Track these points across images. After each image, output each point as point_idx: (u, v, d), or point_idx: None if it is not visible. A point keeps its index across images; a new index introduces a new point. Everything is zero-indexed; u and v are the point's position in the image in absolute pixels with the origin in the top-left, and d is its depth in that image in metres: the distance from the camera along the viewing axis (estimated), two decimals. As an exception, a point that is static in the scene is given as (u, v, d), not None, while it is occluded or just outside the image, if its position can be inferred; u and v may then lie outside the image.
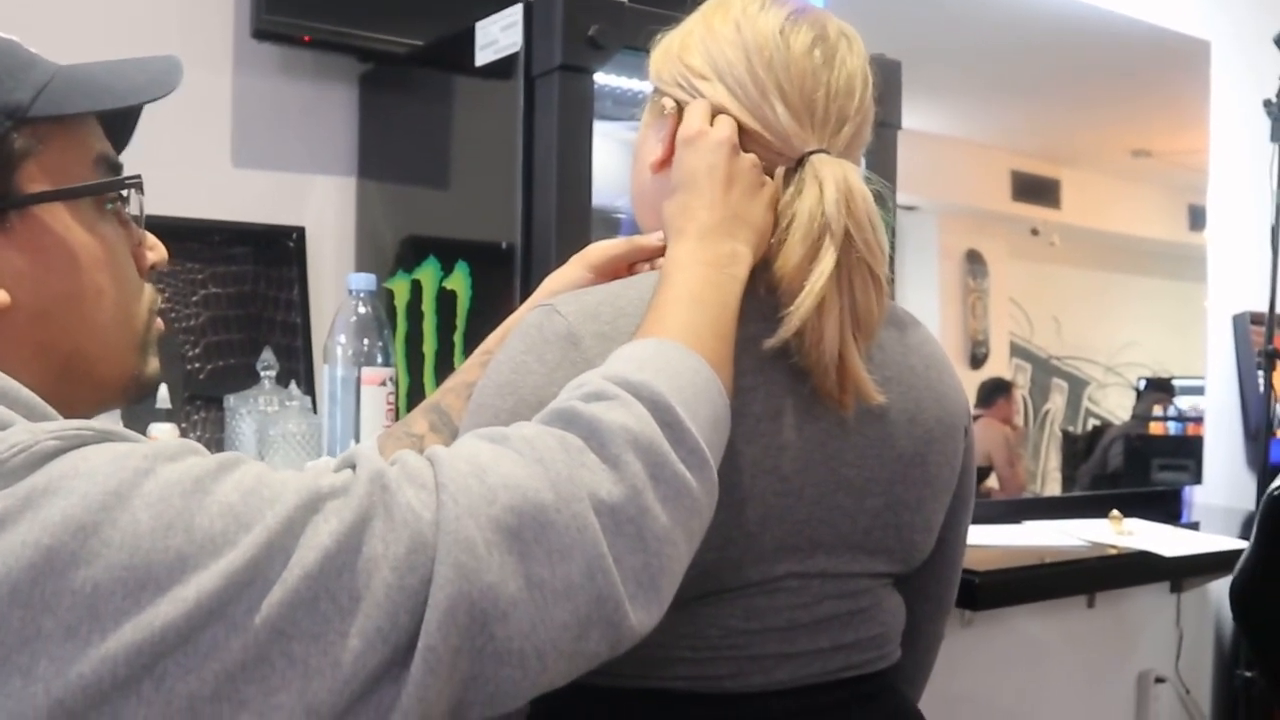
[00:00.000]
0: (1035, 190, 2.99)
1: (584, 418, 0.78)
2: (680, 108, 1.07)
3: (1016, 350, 2.91)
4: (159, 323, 0.94)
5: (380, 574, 0.67)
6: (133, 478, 0.65)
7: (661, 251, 1.06)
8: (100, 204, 0.86)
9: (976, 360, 2.82)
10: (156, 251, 0.93)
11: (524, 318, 1.03)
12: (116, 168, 0.89)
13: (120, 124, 0.93)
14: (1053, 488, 2.98)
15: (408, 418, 1.17)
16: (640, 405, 0.79)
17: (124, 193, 0.89)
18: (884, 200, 1.04)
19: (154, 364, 0.92)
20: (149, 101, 0.88)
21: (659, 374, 0.82)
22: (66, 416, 0.76)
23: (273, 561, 0.65)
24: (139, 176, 0.89)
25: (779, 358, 0.99)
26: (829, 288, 0.96)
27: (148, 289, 0.92)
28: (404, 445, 0.87)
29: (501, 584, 0.69)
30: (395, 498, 0.69)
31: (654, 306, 0.93)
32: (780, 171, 1.03)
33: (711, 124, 1.03)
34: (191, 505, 0.65)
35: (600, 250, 1.13)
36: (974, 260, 2.85)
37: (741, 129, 1.03)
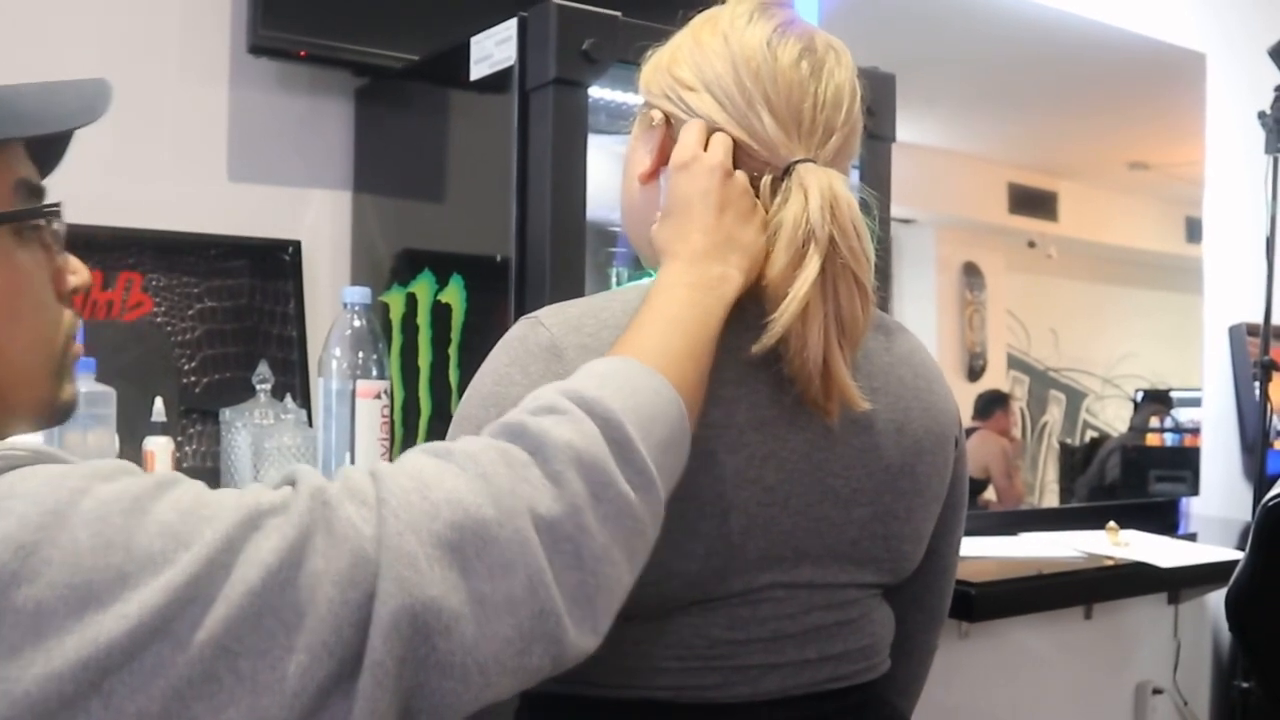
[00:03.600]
0: (1032, 203, 3.00)
1: (531, 432, 0.78)
2: (668, 120, 1.07)
3: (1014, 362, 2.91)
4: (77, 347, 0.92)
5: (323, 589, 0.67)
6: (70, 497, 0.65)
7: None
8: (19, 230, 0.84)
9: (974, 373, 2.83)
10: (80, 275, 0.91)
11: (509, 330, 1.04)
12: (38, 192, 0.87)
13: (48, 147, 0.91)
14: (1050, 499, 2.98)
15: None
16: (590, 422, 0.79)
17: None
18: (870, 209, 1.04)
19: (69, 390, 0.91)
20: (75, 129, 0.87)
21: (618, 392, 0.83)
22: None
23: (214, 578, 0.65)
24: (58, 205, 0.87)
25: (763, 366, 1.00)
26: (813, 294, 0.96)
27: (67, 314, 0.91)
28: None
29: (444, 598, 0.69)
30: (336, 514, 0.70)
31: (632, 326, 0.94)
32: (767, 181, 1.03)
33: (706, 146, 1.03)
34: (131, 524, 0.65)
35: None
36: (971, 272, 2.85)
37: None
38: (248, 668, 0.64)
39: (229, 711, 0.64)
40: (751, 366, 1.00)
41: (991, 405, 2.84)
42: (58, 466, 0.68)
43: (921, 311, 2.75)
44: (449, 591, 0.70)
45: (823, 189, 0.99)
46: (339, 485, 0.72)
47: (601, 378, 0.85)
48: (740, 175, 1.03)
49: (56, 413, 0.90)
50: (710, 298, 0.96)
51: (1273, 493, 1.77)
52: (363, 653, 0.67)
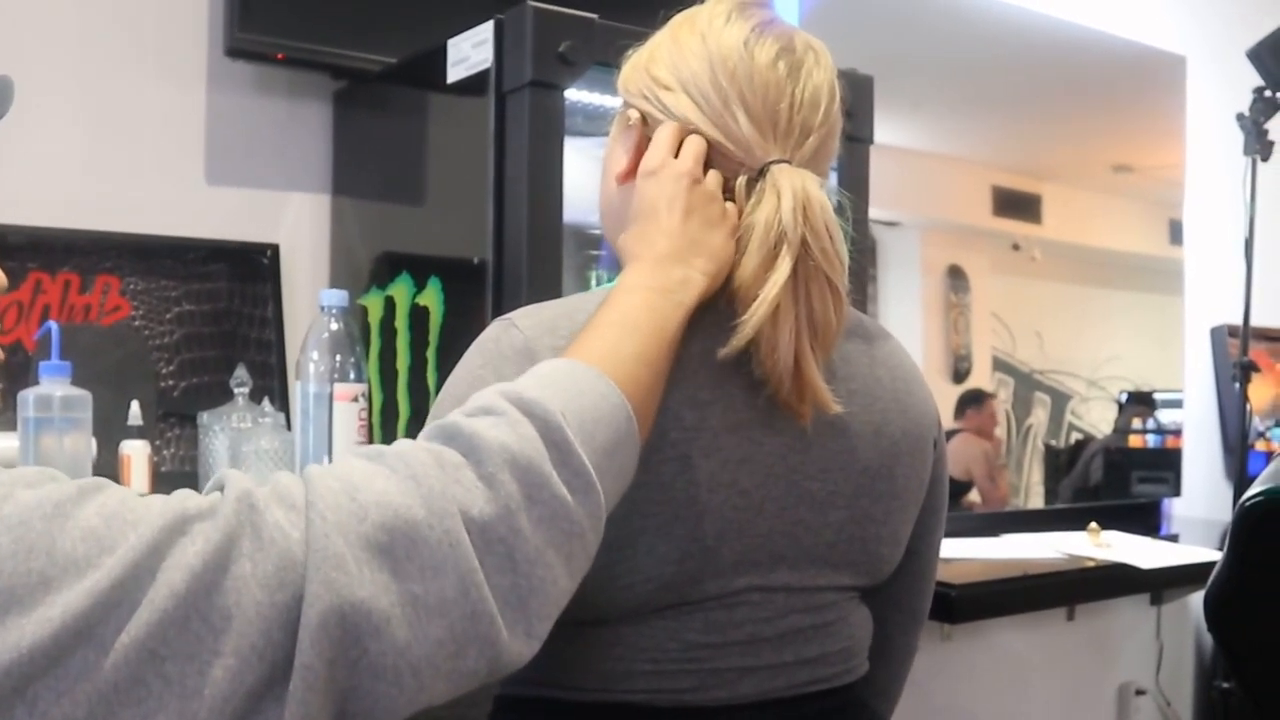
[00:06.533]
0: (1016, 205, 3.00)
1: (464, 434, 0.77)
2: (645, 118, 1.07)
3: (999, 365, 2.91)
4: None
5: (250, 592, 0.66)
6: None
7: None
8: None
9: (959, 375, 2.83)
10: None
11: (483, 332, 1.03)
12: None
13: None
14: (1035, 501, 2.98)
15: None
16: (528, 424, 0.78)
17: None
18: (844, 211, 1.04)
19: None
20: None
21: (559, 394, 0.82)
22: None
23: (139, 582, 0.64)
24: None
25: (737, 370, 0.99)
26: (784, 296, 0.96)
27: None
28: None
29: (373, 599, 0.68)
30: (263, 517, 0.69)
31: (588, 328, 0.93)
32: (742, 182, 1.03)
33: (679, 151, 1.03)
34: (53, 529, 0.64)
35: None
36: (956, 275, 2.85)
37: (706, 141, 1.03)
38: (175, 672, 0.64)
39: (157, 717, 0.63)
40: (725, 370, 0.99)
41: (965, 405, 2.84)
42: None
43: (906, 314, 2.75)
44: (379, 593, 0.69)
45: (796, 191, 0.98)
46: (268, 490, 0.72)
47: (544, 379, 0.84)
48: (711, 181, 1.02)
49: None
50: (669, 302, 0.95)
51: (1250, 492, 1.77)
52: (293, 656, 0.66)
